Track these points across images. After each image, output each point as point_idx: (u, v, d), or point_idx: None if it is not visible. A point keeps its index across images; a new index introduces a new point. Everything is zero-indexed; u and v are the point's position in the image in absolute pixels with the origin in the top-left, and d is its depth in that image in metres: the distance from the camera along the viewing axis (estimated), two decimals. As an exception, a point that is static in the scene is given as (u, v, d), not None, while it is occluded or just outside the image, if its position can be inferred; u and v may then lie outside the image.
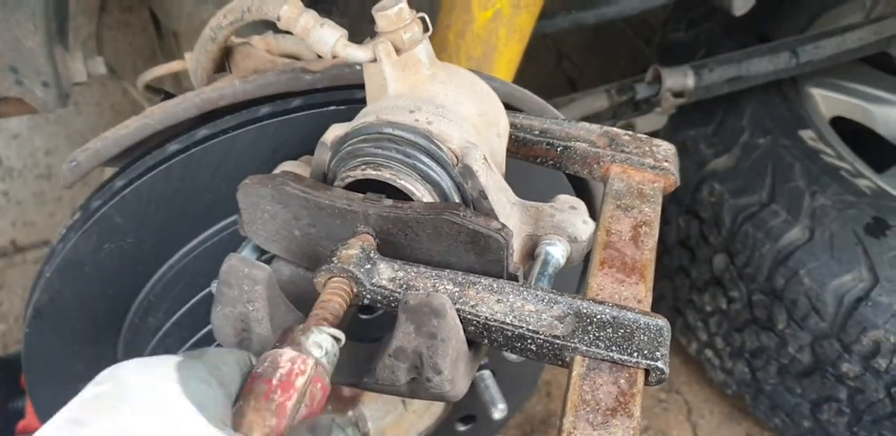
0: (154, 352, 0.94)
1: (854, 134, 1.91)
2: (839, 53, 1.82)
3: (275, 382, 0.58)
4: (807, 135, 1.81)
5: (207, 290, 0.93)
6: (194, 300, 0.93)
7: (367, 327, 0.96)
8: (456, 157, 0.75)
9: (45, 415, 1.03)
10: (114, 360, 1.01)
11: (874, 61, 1.98)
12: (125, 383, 0.51)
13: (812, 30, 1.99)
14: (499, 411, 1.04)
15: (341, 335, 0.65)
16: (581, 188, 1.06)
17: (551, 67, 2.83)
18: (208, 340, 0.92)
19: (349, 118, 0.80)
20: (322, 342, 0.63)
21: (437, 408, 1.16)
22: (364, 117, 0.77)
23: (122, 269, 0.93)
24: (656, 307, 0.73)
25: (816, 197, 1.66)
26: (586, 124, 0.89)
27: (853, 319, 1.58)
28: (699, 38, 2.05)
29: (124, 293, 0.96)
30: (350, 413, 1.03)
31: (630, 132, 0.88)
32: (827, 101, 1.96)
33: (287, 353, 0.61)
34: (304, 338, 0.62)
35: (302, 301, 0.76)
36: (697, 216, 1.84)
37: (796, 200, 1.67)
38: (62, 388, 0.98)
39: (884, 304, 1.55)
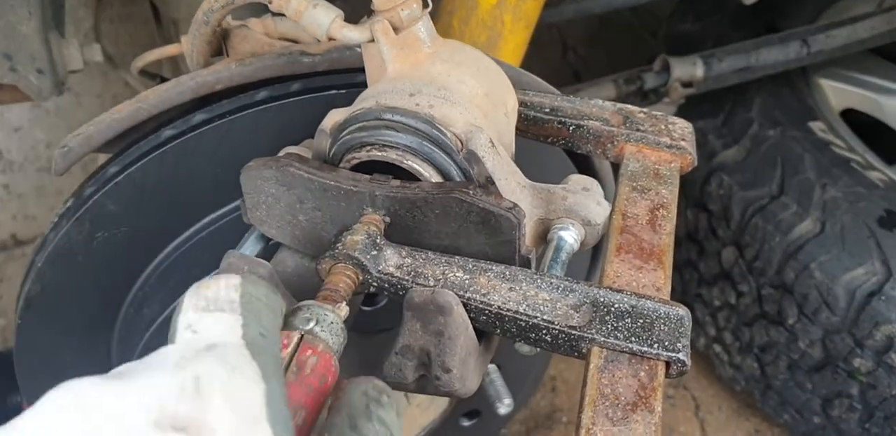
0: (148, 345, 0.91)
1: (866, 126, 1.88)
2: (851, 43, 1.78)
3: None
4: (817, 126, 1.78)
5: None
6: (190, 291, 0.91)
7: (371, 317, 0.94)
8: (460, 141, 0.72)
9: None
10: (107, 352, 0.98)
11: (885, 53, 1.94)
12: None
13: (822, 20, 1.96)
14: (505, 406, 1.02)
15: (338, 310, 0.62)
16: (587, 168, 1.04)
17: (556, 59, 2.80)
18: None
19: (350, 102, 0.77)
20: (311, 315, 0.60)
21: (441, 402, 1.14)
22: (363, 102, 0.74)
23: (117, 258, 0.90)
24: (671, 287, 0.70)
25: (827, 189, 1.63)
26: (599, 102, 0.86)
27: (865, 313, 1.55)
28: (706, 29, 2.01)
29: (119, 283, 0.93)
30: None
31: (645, 110, 0.85)
32: (837, 92, 1.93)
33: None
34: (292, 317, 0.60)
35: (307, 295, 0.73)
36: (706, 209, 1.81)
37: (807, 192, 1.64)
38: (53, 380, 0.96)
39: (896, 298, 1.52)
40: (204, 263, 0.91)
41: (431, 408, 1.11)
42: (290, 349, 0.57)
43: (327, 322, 0.59)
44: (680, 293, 1.95)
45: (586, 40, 2.82)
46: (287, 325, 0.59)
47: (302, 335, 0.58)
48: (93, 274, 0.90)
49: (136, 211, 0.87)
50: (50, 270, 0.88)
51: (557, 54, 2.81)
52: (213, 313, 0.47)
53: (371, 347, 0.80)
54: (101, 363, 0.98)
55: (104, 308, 0.94)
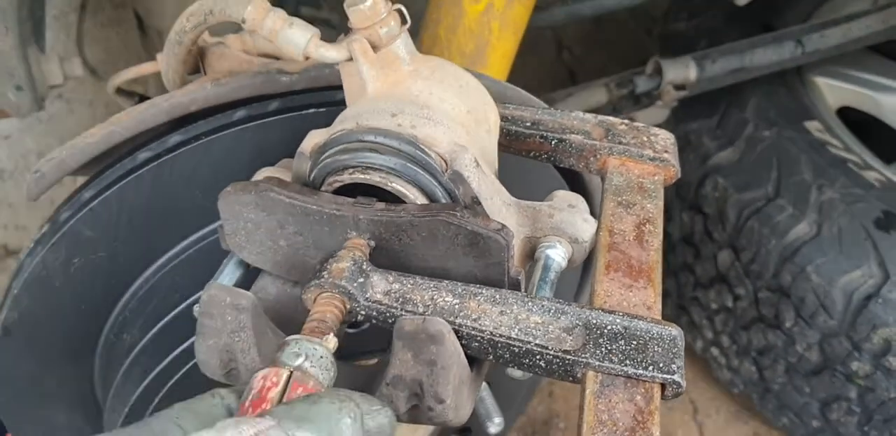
0: (129, 370, 0.90)
1: (862, 124, 1.85)
2: (846, 42, 1.76)
3: (247, 404, 0.54)
4: (813, 126, 1.75)
5: (184, 305, 0.89)
6: (170, 316, 0.89)
7: (358, 340, 0.92)
8: (444, 162, 0.70)
9: (18, 436, 0.98)
10: (90, 381, 0.96)
11: (882, 49, 1.92)
12: None
13: (816, 18, 1.93)
14: (495, 426, 1.00)
15: (327, 343, 0.60)
16: (575, 181, 1.02)
17: (551, 60, 2.78)
18: (184, 358, 0.87)
19: (330, 121, 0.75)
20: (300, 350, 0.58)
21: (431, 421, 1.12)
22: (343, 123, 0.72)
23: (95, 284, 0.88)
24: (661, 305, 0.69)
25: (824, 190, 1.61)
26: (580, 114, 0.85)
27: (863, 316, 1.53)
28: (700, 28, 1.99)
29: (98, 309, 0.91)
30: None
31: (627, 121, 0.84)
32: (833, 90, 1.90)
33: (261, 372, 0.56)
34: (279, 353, 0.58)
35: (291, 322, 0.71)
36: (701, 212, 1.79)
37: (803, 193, 1.62)
38: (33, 411, 0.94)
39: (894, 301, 1.50)
40: (183, 287, 0.89)
41: (421, 427, 1.10)
42: (279, 388, 0.55)
43: (317, 357, 0.58)
44: (676, 297, 1.93)
45: (581, 40, 2.80)
46: (275, 361, 0.57)
47: (291, 372, 0.56)
48: (71, 300, 0.88)
49: (113, 236, 0.86)
50: (27, 296, 0.86)
51: (552, 54, 2.79)
52: None
53: (355, 369, 0.78)
54: (83, 393, 0.96)
55: (84, 335, 0.92)
